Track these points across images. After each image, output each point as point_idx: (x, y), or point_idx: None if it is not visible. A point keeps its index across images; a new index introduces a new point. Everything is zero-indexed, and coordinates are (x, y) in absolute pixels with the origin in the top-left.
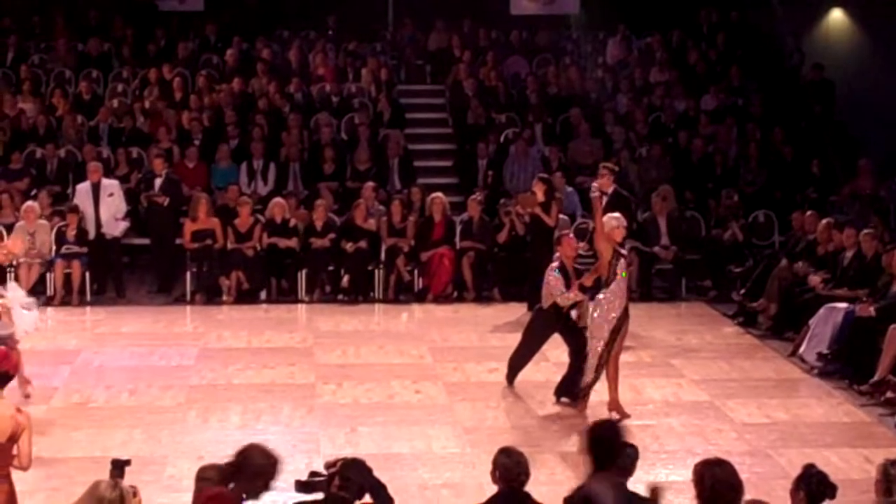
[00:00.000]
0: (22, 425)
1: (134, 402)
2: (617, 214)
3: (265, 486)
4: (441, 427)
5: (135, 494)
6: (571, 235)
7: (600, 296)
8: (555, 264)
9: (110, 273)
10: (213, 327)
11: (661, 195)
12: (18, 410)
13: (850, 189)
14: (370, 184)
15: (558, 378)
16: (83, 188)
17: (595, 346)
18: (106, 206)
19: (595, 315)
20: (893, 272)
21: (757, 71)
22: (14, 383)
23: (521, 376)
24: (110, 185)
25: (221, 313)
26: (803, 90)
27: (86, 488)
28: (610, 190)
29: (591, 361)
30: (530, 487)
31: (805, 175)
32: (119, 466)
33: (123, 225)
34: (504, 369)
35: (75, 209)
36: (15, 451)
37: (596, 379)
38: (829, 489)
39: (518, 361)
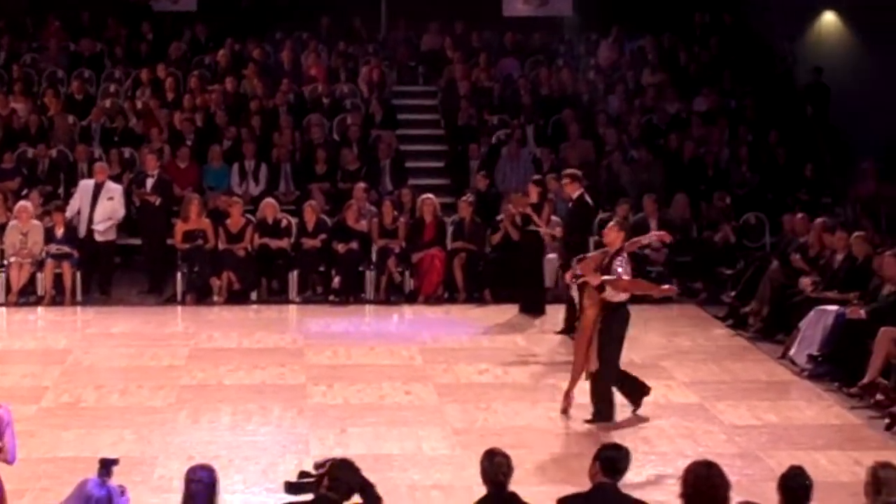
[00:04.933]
0: (3, 419)
1: (124, 403)
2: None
3: None
4: (431, 428)
5: (122, 493)
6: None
7: None
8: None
9: (97, 273)
10: (204, 328)
11: (652, 197)
12: None
13: (854, 192)
14: (361, 185)
15: (549, 379)
16: (85, 185)
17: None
18: (102, 207)
19: None
20: (884, 275)
21: (749, 73)
22: None
23: (511, 377)
24: (113, 189)
25: (212, 314)
26: (797, 93)
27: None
28: (575, 195)
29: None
30: (521, 488)
31: (797, 177)
32: (107, 465)
33: (109, 223)
34: (495, 370)
35: (61, 208)
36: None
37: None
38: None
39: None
